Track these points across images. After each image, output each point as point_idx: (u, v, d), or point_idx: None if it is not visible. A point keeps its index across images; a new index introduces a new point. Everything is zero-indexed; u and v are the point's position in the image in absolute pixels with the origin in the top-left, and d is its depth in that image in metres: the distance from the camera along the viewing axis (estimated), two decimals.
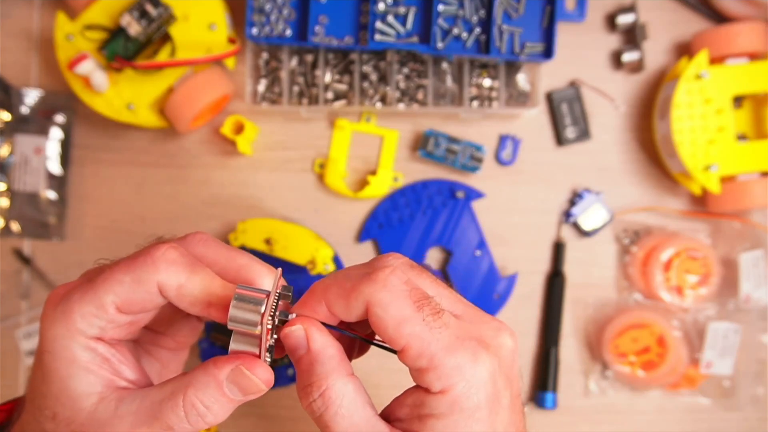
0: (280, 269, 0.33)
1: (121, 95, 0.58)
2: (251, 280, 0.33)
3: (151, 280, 0.31)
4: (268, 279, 0.33)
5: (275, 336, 0.32)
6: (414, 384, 0.31)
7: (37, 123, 0.63)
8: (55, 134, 0.63)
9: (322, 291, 0.32)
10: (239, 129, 0.61)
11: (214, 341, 0.61)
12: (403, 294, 0.30)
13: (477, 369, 0.29)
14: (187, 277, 0.31)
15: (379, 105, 0.61)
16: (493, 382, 0.30)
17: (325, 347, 0.31)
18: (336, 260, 0.61)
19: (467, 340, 0.30)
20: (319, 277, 0.61)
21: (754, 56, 0.59)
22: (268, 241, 0.59)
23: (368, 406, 0.31)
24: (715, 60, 0.59)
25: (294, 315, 0.32)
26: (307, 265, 0.59)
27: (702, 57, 0.57)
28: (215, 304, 0.31)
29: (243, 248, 0.60)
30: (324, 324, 0.32)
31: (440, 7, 0.57)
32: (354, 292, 0.30)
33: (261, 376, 0.30)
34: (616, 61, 0.63)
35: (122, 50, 0.57)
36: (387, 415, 0.32)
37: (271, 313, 0.31)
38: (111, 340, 0.32)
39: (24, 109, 0.63)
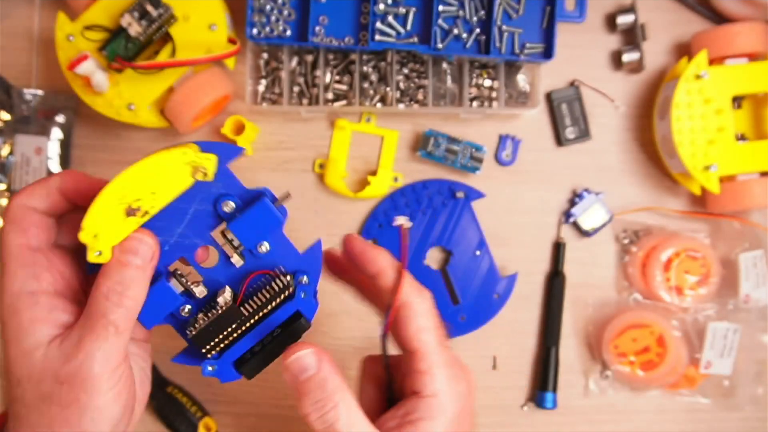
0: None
1: (122, 95, 0.58)
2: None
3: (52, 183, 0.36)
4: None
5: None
6: (401, 401, 0.37)
7: (37, 123, 0.63)
8: (56, 134, 0.63)
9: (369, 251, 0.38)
10: (239, 129, 0.61)
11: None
12: (433, 312, 0.37)
13: (460, 385, 0.37)
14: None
15: (379, 105, 0.61)
16: (469, 399, 0.37)
17: (334, 370, 0.35)
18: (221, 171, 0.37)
19: (457, 364, 0.38)
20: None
21: (753, 56, 0.59)
22: (130, 211, 0.36)
23: (367, 419, 0.35)
24: (715, 60, 0.59)
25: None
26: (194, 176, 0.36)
27: (702, 57, 0.58)
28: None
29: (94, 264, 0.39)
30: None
31: (440, 8, 0.57)
32: (396, 283, 0.37)
33: (143, 235, 0.34)
34: (616, 61, 0.63)
35: (123, 50, 0.57)
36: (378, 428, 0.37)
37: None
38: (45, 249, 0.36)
39: (24, 109, 0.63)
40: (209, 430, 0.61)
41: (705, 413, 0.63)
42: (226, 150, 0.35)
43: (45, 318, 0.34)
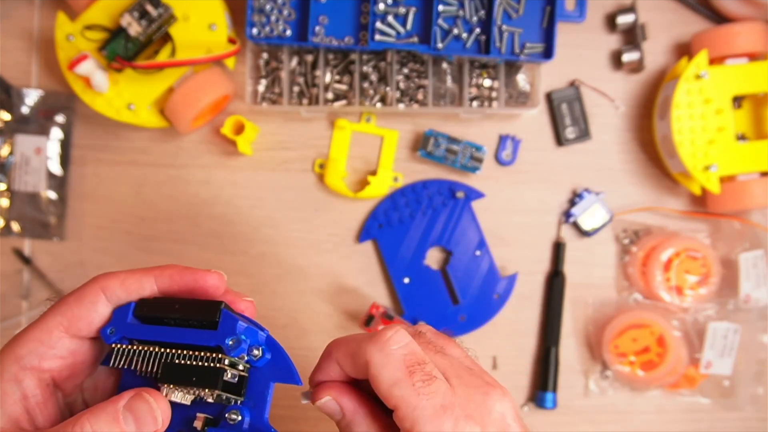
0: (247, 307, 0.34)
1: (122, 95, 0.58)
2: (199, 281, 0.33)
3: (93, 289, 0.32)
4: (212, 278, 0.33)
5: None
6: None
7: (37, 123, 0.63)
8: (56, 134, 0.63)
9: (333, 350, 0.34)
10: (239, 129, 0.61)
11: None
12: (397, 358, 0.31)
13: (468, 426, 0.30)
14: (125, 276, 0.33)
15: (379, 105, 0.61)
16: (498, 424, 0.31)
17: (356, 412, 0.33)
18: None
19: (452, 409, 0.31)
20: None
21: (753, 56, 0.59)
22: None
23: None
24: (715, 60, 0.59)
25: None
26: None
27: (702, 57, 0.58)
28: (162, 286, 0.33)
29: None
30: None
31: (440, 8, 0.57)
32: (358, 352, 0.32)
33: (161, 406, 0.30)
34: (616, 61, 0.63)
35: (122, 50, 0.57)
36: None
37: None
38: (48, 376, 0.32)
39: (24, 109, 0.63)
40: None
41: (705, 413, 0.63)
42: None
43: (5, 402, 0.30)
